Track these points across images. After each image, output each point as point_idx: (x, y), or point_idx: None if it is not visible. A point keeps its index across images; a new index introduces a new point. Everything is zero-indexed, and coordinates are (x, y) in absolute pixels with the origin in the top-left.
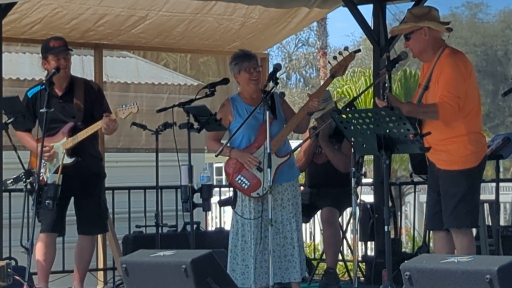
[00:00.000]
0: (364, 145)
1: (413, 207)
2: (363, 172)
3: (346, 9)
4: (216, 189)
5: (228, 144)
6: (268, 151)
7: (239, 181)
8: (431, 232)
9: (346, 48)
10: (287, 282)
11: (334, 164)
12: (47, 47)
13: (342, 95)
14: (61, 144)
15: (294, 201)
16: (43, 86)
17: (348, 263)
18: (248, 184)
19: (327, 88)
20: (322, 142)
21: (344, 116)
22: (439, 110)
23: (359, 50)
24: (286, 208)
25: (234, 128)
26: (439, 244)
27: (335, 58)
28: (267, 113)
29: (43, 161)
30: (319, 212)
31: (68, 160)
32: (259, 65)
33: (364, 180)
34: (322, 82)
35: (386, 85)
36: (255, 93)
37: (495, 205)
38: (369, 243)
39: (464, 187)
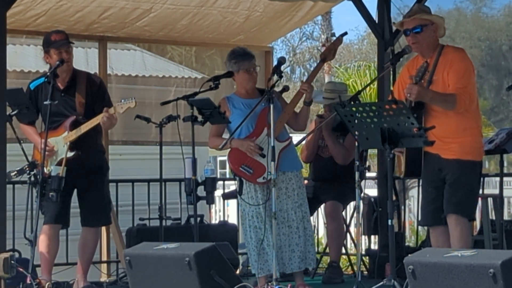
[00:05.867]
0: (368, 139)
1: (417, 201)
2: (367, 166)
3: (350, 2)
4: (220, 182)
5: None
6: (272, 144)
7: (244, 170)
8: None
9: (333, 34)
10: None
11: (333, 155)
12: (49, 40)
13: (348, 89)
14: (62, 138)
15: (299, 191)
16: (46, 79)
17: (351, 257)
18: (252, 171)
19: (342, 81)
20: (324, 132)
21: (348, 109)
22: (457, 100)
23: (345, 33)
24: (291, 198)
25: (232, 121)
26: (439, 240)
27: (323, 45)
28: (271, 106)
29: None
30: (322, 206)
31: (69, 154)
32: (257, 64)
33: (368, 174)
34: (326, 77)
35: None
36: (251, 88)
37: (499, 200)
38: (372, 237)
39: (474, 178)
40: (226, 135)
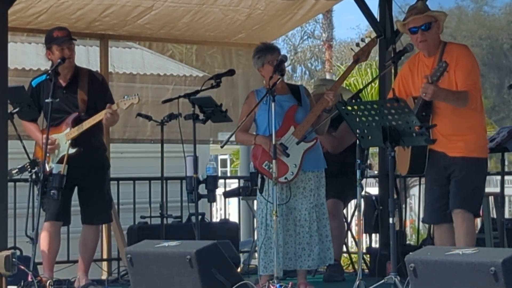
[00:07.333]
0: (370, 137)
1: (418, 199)
2: (368, 164)
3: (352, 1)
4: (221, 181)
5: (255, 132)
6: (273, 142)
7: (266, 167)
8: None
9: (368, 35)
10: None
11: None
12: (51, 37)
13: (349, 87)
14: (64, 134)
15: (316, 192)
16: (48, 76)
17: (352, 255)
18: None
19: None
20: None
21: (349, 108)
22: (469, 97)
23: (380, 35)
24: (307, 198)
25: (258, 117)
26: (444, 237)
27: (357, 45)
28: (273, 104)
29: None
30: None
31: (71, 150)
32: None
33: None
34: (327, 75)
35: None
36: (280, 83)
37: (500, 198)
38: (373, 235)
39: (479, 175)
40: (253, 131)
